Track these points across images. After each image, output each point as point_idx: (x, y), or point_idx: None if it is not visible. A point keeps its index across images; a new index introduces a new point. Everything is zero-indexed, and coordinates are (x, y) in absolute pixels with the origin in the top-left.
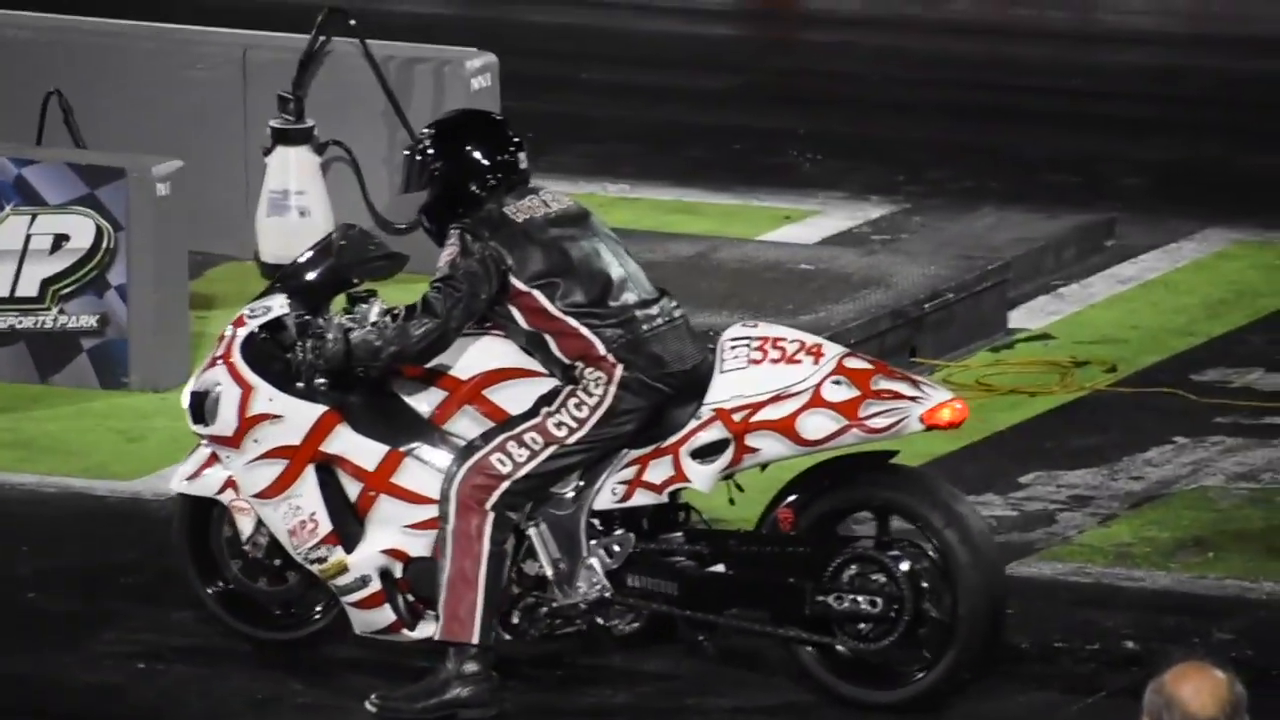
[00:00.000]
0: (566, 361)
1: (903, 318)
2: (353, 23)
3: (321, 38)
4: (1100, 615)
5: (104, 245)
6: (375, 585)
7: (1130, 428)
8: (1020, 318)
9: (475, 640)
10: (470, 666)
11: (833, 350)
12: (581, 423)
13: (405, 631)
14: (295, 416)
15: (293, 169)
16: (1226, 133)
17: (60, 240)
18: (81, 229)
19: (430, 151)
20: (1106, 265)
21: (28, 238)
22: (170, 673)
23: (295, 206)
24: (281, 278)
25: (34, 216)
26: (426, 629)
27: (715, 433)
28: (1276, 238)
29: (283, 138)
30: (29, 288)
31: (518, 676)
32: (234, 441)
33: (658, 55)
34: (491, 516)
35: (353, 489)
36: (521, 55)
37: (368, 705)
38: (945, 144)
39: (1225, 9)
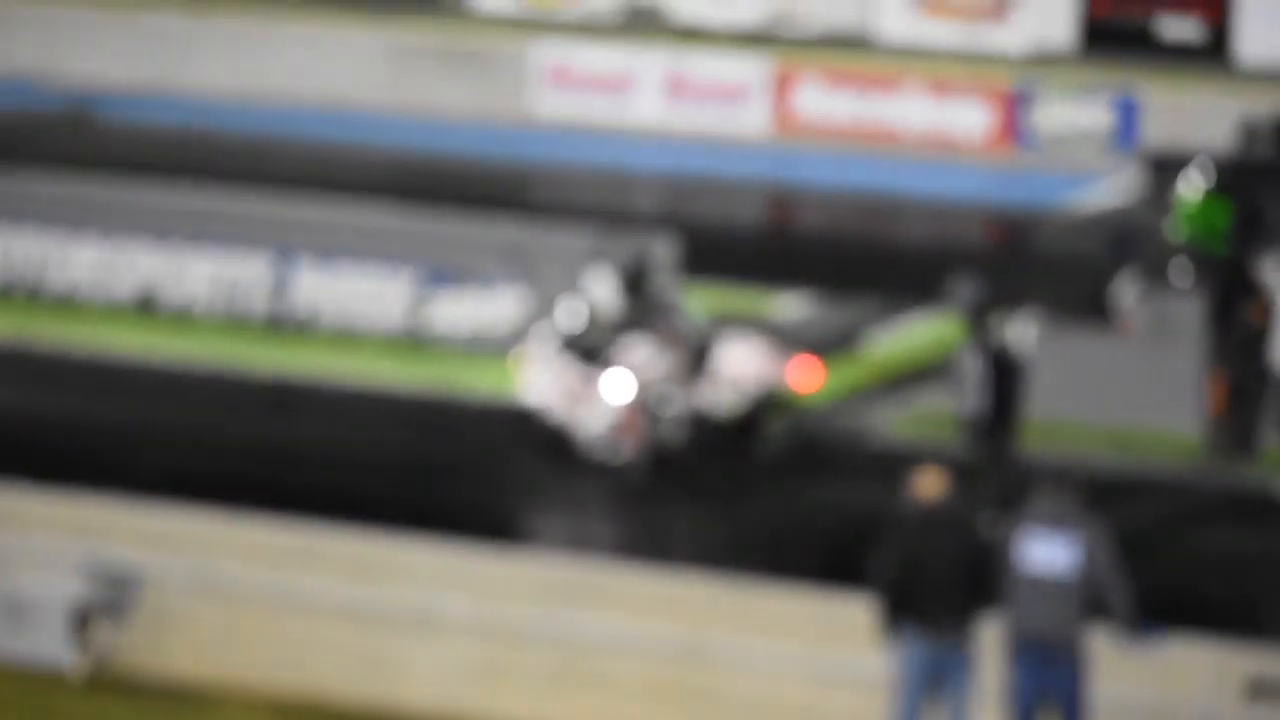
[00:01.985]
0: None
1: None
2: None
3: None
4: None
5: None
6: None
7: None
8: None
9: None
10: None
11: (762, 348)
12: (668, 367)
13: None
14: (564, 373)
15: None
16: None
17: None
18: None
19: None
20: None
21: None
22: None
23: None
24: None
25: None
26: None
27: (720, 379)
28: None
29: None
30: None
31: None
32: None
33: None
34: (638, 412)
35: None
36: None
37: None
38: None
39: None
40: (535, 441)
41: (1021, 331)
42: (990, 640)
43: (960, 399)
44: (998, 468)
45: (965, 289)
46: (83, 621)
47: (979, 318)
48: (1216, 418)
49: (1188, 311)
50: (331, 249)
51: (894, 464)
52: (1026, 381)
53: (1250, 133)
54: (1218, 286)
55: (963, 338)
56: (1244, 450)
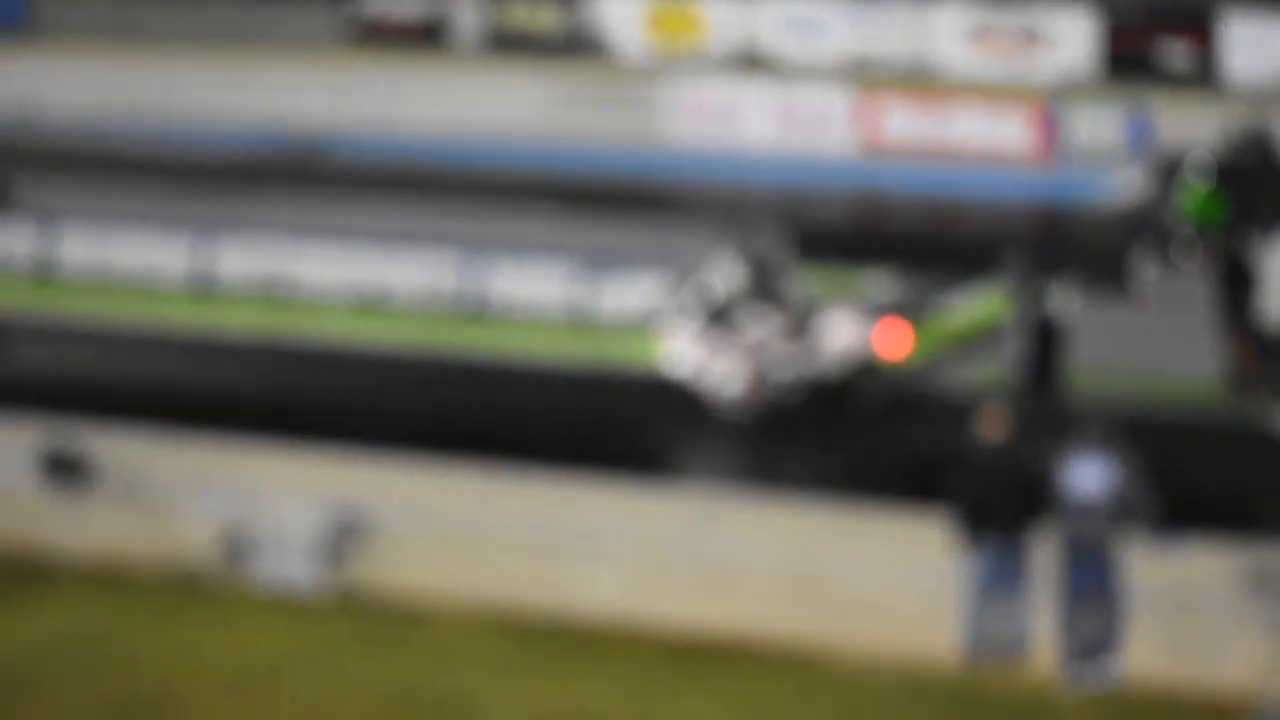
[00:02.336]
0: None
1: None
2: None
3: None
4: None
5: None
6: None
7: None
8: None
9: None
10: None
11: (856, 317)
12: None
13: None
14: (699, 336)
15: None
16: None
17: None
18: None
19: None
20: None
21: None
22: None
23: None
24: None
25: None
26: None
27: (823, 343)
28: None
29: None
30: None
31: None
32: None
33: None
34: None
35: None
36: None
37: None
38: None
39: None
40: (675, 399)
41: (1063, 301)
42: (1043, 547)
43: (1011, 355)
44: (1046, 410)
45: (1016, 261)
46: (327, 553)
47: (1027, 287)
48: (1245, 371)
49: (1192, 285)
50: (513, 250)
51: (962, 411)
52: (1067, 341)
53: (1232, 139)
54: (1218, 264)
55: (1013, 306)
56: (1268, 392)
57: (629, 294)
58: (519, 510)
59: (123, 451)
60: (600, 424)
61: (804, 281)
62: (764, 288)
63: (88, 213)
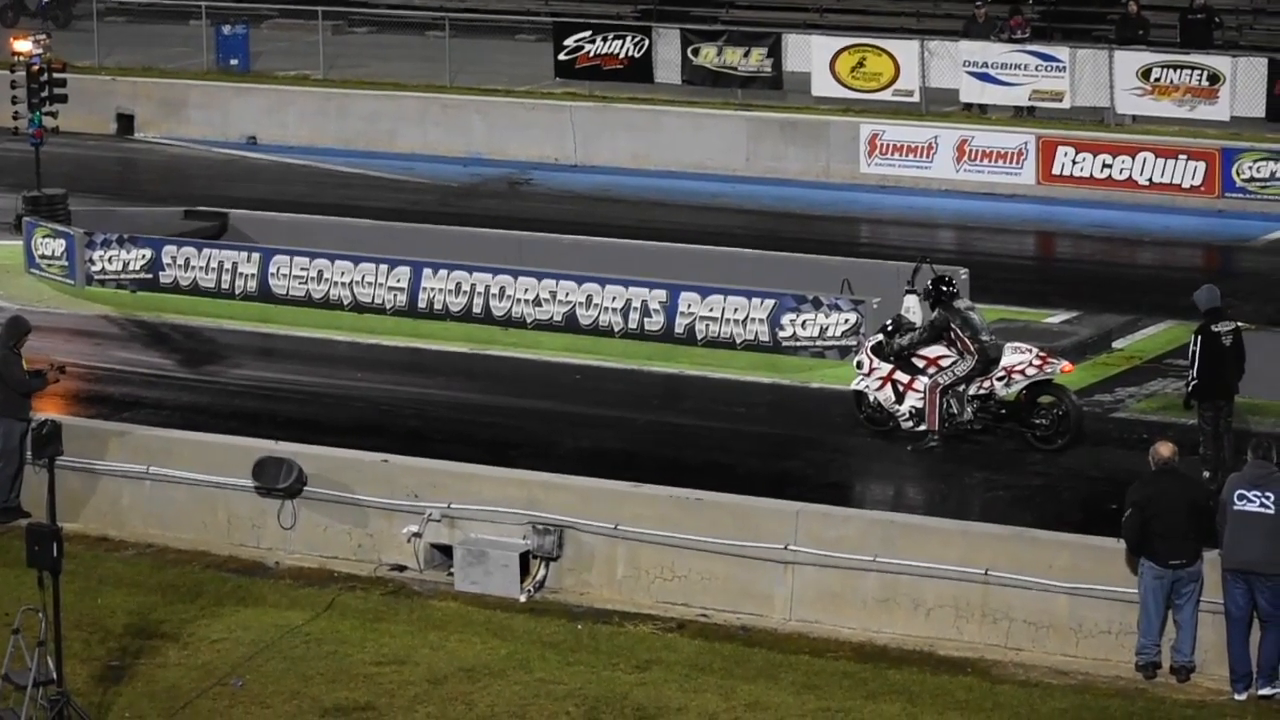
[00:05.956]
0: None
1: None
2: None
3: None
4: None
5: None
6: (908, 415)
7: None
8: None
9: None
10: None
11: (1034, 349)
12: (963, 367)
13: (907, 424)
14: (883, 368)
15: None
16: None
17: None
18: None
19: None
20: None
21: None
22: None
23: None
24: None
25: None
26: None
27: (1001, 373)
28: None
29: None
30: None
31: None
32: (869, 375)
33: None
34: (937, 394)
35: (900, 386)
36: None
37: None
38: None
39: None
40: (862, 423)
41: (1235, 330)
42: (1212, 566)
43: (1188, 380)
44: (1216, 437)
45: (1204, 293)
46: (527, 563)
47: (1209, 317)
48: None
49: None
50: (708, 280)
51: (1136, 435)
52: (1242, 370)
53: None
54: None
55: (1195, 331)
56: None
57: (821, 325)
58: (710, 524)
59: (332, 464)
60: (791, 444)
61: (984, 316)
62: (949, 321)
63: (302, 235)
